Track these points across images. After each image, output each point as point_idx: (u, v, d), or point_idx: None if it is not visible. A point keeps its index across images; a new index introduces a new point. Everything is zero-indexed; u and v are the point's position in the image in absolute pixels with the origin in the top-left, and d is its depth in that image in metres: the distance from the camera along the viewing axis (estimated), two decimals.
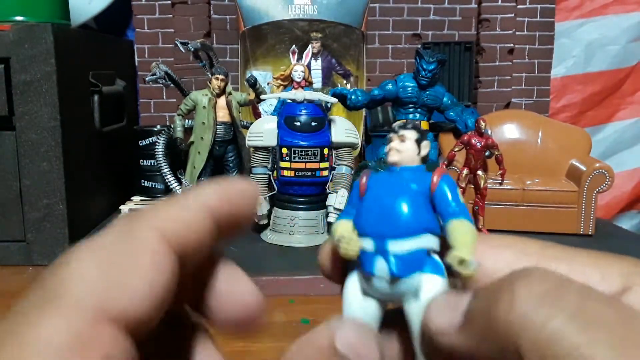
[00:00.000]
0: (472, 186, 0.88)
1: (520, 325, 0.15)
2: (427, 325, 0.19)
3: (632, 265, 0.18)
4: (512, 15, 1.19)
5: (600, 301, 0.15)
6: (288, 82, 1.00)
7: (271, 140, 0.83)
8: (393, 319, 0.21)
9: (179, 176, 0.89)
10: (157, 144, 0.91)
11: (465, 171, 0.87)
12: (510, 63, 1.21)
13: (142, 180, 1.02)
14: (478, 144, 0.86)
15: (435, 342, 0.18)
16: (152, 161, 0.95)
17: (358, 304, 0.21)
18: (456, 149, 0.88)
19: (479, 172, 0.86)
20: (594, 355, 0.14)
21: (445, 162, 0.89)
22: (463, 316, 0.18)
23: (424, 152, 0.21)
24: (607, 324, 0.14)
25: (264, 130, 0.83)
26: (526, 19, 1.19)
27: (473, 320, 0.17)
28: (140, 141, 1.01)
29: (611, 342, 0.14)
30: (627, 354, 0.14)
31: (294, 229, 0.83)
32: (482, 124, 0.86)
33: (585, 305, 0.15)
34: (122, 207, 0.98)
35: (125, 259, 0.17)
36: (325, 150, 0.82)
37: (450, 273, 0.19)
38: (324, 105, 0.85)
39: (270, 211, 0.86)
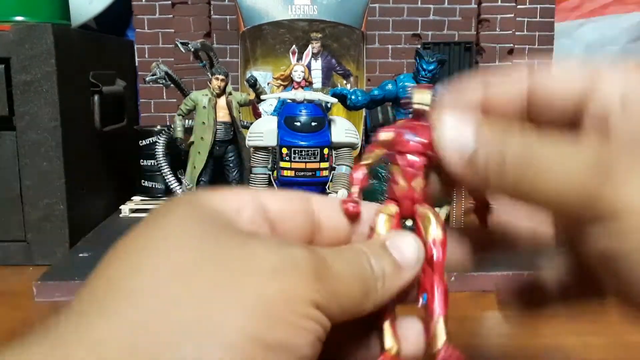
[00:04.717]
0: None
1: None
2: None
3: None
4: (512, 15, 1.19)
5: None
6: (288, 82, 1.00)
7: (271, 140, 0.83)
8: None
9: (179, 176, 0.89)
10: (157, 144, 0.91)
11: None
12: (510, 63, 1.21)
13: (143, 180, 1.03)
14: None
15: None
16: (153, 161, 0.95)
17: None
18: None
19: None
20: None
21: None
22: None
23: None
24: None
25: (264, 131, 0.83)
26: (526, 19, 1.19)
27: None
28: (140, 141, 1.01)
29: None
30: None
31: None
32: None
33: None
34: (122, 207, 0.99)
35: None
36: (326, 150, 0.82)
37: None
38: (324, 105, 0.85)
39: None
